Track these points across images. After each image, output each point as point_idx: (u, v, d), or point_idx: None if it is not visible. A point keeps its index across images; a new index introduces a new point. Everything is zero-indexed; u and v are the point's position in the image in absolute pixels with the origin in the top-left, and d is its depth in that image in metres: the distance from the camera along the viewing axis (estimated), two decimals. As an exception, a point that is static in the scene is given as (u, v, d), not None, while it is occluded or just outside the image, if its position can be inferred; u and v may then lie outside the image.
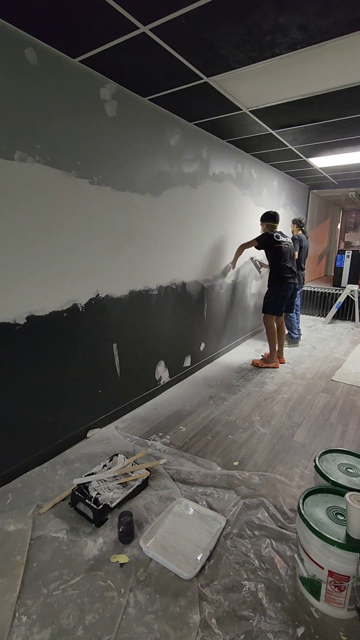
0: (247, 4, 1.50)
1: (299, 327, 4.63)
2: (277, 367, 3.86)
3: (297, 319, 4.59)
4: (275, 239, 3.66)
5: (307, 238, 4.55)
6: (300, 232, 4.51)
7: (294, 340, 4.61)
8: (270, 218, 3.80)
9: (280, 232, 3.77)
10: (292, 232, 4.56)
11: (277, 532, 1.67)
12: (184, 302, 3.32)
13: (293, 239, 4.37)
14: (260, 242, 3.73)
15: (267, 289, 3.87)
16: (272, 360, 3.86)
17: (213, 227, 3.58)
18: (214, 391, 3.24)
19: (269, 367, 3.83)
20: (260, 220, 3.87)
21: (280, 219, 4.87)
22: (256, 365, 3.86)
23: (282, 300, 3.77)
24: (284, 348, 4.44)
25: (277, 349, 3.92)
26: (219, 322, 4.01)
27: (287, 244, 3.72)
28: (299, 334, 4.64)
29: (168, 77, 2.17)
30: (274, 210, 3.82)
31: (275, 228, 3.79)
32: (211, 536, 1.62)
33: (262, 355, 4.09)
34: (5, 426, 1.95)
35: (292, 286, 3.78)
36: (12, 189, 1.79)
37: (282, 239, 3.70)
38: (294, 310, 4.55)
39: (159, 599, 1.36)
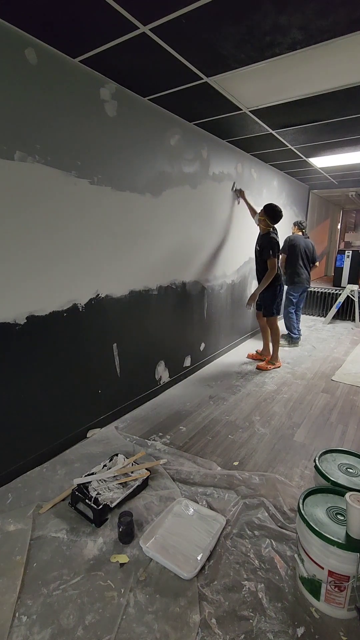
0: (247, 4, 1.50)
1: (298, 327, 4.64)
2: (280, 366, 3.88)
3: (297, 319, 4.60)
4: (279, 245, 3.56)
5: (305, 239, 4.56)
6: (300, 232, 4.51)
7: (293, 340, 4.61)
8: (270, 215, 3.51)
9: (276, 232, 3.64)
10: (293, 233, 4.58)
11: (277, 532, 1.67)
12: (184, 302, 3.32)
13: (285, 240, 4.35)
14: (274, 253, 3.47)
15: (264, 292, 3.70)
16: (276, 360, 3.85)
17: (213, 227, 3.58)
18: (214, 391, 3.24)
19: (275, 368, 3.82)
20: (264, 211, 3.53)
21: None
22: (264, 369, 3.75)
23: (281, 299, 3.80)
24: (285, 348, 4.49)
25: (268, 348, 3.97)
26: (219, 322, 4.01)
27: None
28: (299, 334, 4.65)
29: (168, 77, 2.18)
30: (280, 209, 3.53)
31: (271, 227, 3.61)
32: (211, 536, 1.62)
33: (264, 359, 4.03)
34: (6, 426, 1.95)
35: (283, 283, 3.81)
36: (12, 189, 1.79)
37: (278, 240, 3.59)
38: (295, 311, 4.58)
39: (159, 599, 1.36)
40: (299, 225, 4.56)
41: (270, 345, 3.93)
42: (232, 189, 3.78)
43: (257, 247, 3.67)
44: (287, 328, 4.63)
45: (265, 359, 3.96)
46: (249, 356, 4.13)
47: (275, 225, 3.67)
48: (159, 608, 1.32)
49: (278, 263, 3.56)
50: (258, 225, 3.68)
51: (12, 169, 1.78)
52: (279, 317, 3.86)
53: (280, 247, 4.26)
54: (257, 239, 3.71)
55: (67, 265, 2.13)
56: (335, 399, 3.13)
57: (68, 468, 2.12)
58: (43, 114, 1.87)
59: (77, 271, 2.21)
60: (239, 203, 3.93)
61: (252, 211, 3.98)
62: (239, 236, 4.06)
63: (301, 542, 1.38)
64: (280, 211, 3.54)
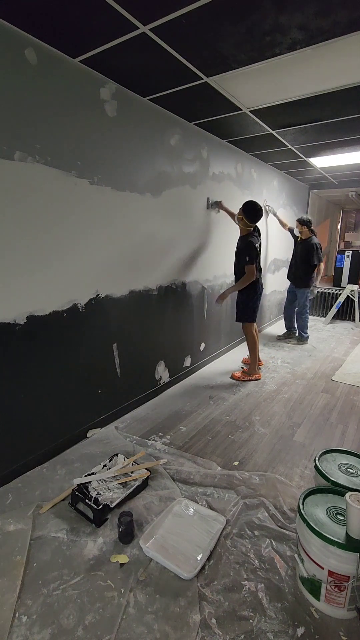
0: (247, 4, 1.50)
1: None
2: (260, 379, 3.53)
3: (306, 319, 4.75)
4: (257, 250, 3.25)
5: (296, 238, 4.59)
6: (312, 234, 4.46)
7: (303, 339, 4.73)
8: (249, 214, 3.19)
9: (258, 233, 3.38)
10: (300, 233, 4.51)
11: (277, 532, 1.67)
12: (184, 302, 3.32)
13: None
14: (251, 259, 3.19)
15: (237, 295, 3.48)
16: (254, 371, 3.54)
17: (213, 227, 3.58)
18: (214, 391, 3.24)
19: (252, 380, 3.48)
20: (242, 209, 3.21)
21: (278, 222, 4.74)
22: (237, 379, 3.48)
23: (257, 305, 3.47)
24: (285, 348, 4.46)
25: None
26: (219, 322, 4.01)
27: (260, 248, 3.35)
28: (308, 334, 4.80)
29: (168, 77, 2.17)
30: (260, 207, 3.21)
31: (250, 227, 3.29)
32: (211, 536, 1.62)
33: (242, 367, 3.76)
34: (6, 426, 1.95)
35: (261, 288, 3.48)
36: (12, 189, 1.79)
37: (259, 243, 3.31)
38: (305, 311, 4.63)
39: (159, 599, 1.36)
40: (307, 224, 4.39)
41: (257, 354, 3.60)
42: (208, 206, 3.43)
43: (236, 250, 3.39)
44: (300, 328, 4.74)
45: (243, 368, 3.70)
46: (244, 361, 3.94)
47: (264, 225, 3.53)
48: (159, 608, 1.32)
49: (257, 269, 3.28)
50: (238, 224, 3.37)
51: (12, 169, 1.77)
52: (254, 323, 3.52)
53: (320, 254, 4.38)
54: (238, 240, 3.40)
55: (67, 266, 2.13)
56: (335, 399, 3.13)
57: (68, 468, 2.12)
58: (43, 114, 1.87)
59: (77, 271, 2.21)
60: (218, 212, 3.64)
61: (233, 216, 3.56)
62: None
63: (301, 542, 1.38)
64: (261, 209, 3.21)
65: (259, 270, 3.40)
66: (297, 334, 4.85)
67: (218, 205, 3.58)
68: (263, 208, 3.41)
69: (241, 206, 3.25)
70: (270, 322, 5.61)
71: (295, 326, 4.84)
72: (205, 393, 3.20)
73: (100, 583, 1.42)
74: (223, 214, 3.68)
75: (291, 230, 4.74)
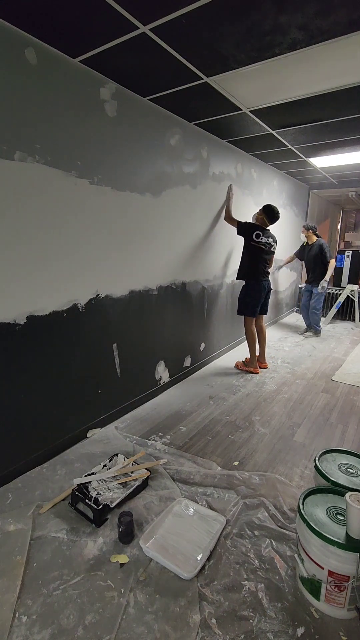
0: (247, 4, 1.50)
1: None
2: (258, 373, 3.67)
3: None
4: (255, 237, 3.44)
5: (306, 243, 5.07)
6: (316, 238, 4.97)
7: (317, 332, 5.12)
8: (268, 214, 3.48)
9: (267, 233, 3.52)
10: (307, 238, 4.97)
11: (277, 532, 1.67)
12: (184, 302, 3.32)
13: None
14: (240, 227, 3.50)
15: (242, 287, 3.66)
16: (252, 364, 3.69)
17: (213, 227, 3.57)
18: (214, 391, 3.24)
19: (250, 372, 3.67)
20: (263, 210, 3.51)
21: (278, 222, 4.86)
22: (240, 368, 3.73)
23: (257, 301, 3.58)
24: (285, 348, 4.45)
25: (257, 353, 3.83)
26: (219, 322, 4.01)
27: (265, 246, 3.50)
28: (321, 327, 5.22)
29: (168, 77, 2.17)
30: (278, 210, 3.51)
31: (267, 226, 3.56)
32: (211, 536, 1.62)
33: (244, 360, 3.88)
34: (6, 426, 1.95)
35: (266, 285, 3.62)
36: (12, 189, 1.79)
37: (262, 239, 3.46)
38: (319, 308, 5.02)
39: (159, 599, 1.36)
40: (313, 229, 4.96)
41: (255, 349, 3.78)
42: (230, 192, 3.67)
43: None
44: (315, 322, 5.09)
45: (246, 358, 3.85)
46: (245, 361, 3.96)
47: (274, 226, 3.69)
48: (159, 608, 1.32)
49: (262, 265, 3.53)
50: (255, 223, 3.56)
51: (12, 169, 1.77)
52: (253, 319, 3.70)
53: (329, 254, 4.87)
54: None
55: (67, 266, 2.13)
56: (335, 399, 3.13)
57: (68, 468, 2.12)
58: (43, 114, 1.87)
59: (77, 271, 2.21)
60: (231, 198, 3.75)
61: (228, 213, 3.67)
62: (239, 236, 4.05)
63: (301, 542, 1.38)
64: (278, 213, 3.53)
65: (267, 270, 3.63)
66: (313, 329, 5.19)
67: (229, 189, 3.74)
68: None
69: (261, 208, 3.56)
70: (266, 322, 5.61)
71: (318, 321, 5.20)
72: (205, 393, 3.20)
73: (100, 583, 1.42)
74: (222, 215, 3.67)
75: (297, 255, 5.33)
